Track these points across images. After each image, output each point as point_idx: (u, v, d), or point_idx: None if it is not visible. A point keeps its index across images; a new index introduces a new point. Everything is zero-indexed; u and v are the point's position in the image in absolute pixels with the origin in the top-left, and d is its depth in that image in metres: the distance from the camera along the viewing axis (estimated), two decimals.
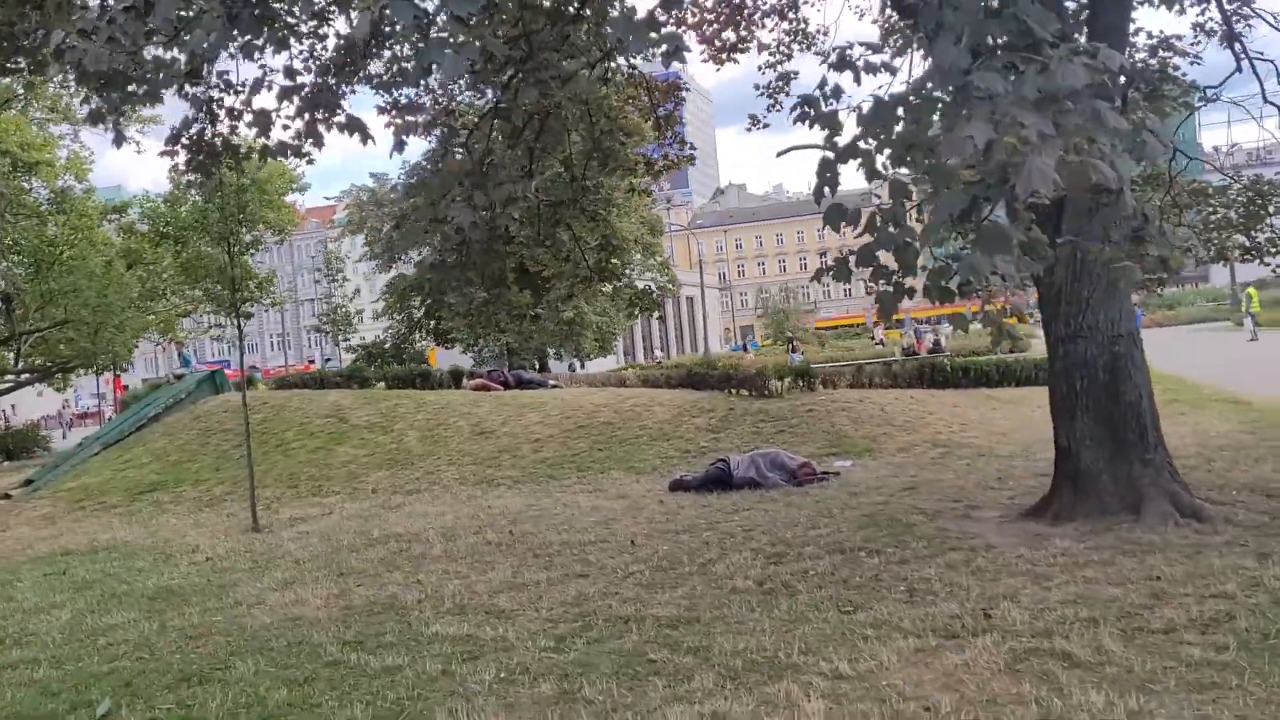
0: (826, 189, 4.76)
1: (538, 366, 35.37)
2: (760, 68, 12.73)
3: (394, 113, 12.09)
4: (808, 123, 5.01)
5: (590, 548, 8.82)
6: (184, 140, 9.49)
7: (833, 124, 4.92)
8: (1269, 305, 35.82)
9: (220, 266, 35.72)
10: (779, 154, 7.54)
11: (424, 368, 21.46)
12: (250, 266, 12.30)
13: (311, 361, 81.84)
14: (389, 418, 16.74)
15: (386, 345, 37.55)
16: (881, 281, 4.86)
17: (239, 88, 9.61)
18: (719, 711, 4.50)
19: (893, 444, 13.81)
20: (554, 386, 19.06)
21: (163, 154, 9.59)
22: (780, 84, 12.80)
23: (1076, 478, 7.92)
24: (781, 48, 12.92)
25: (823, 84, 5.12)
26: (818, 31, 12.94)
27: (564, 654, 5.62)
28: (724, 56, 12.76)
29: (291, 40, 10.54)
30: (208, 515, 13.52)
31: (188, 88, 8.68)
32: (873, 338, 43.75)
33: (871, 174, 4.69)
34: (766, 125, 12.48)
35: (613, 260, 11.42)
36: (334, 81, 10.78)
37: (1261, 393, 17.06)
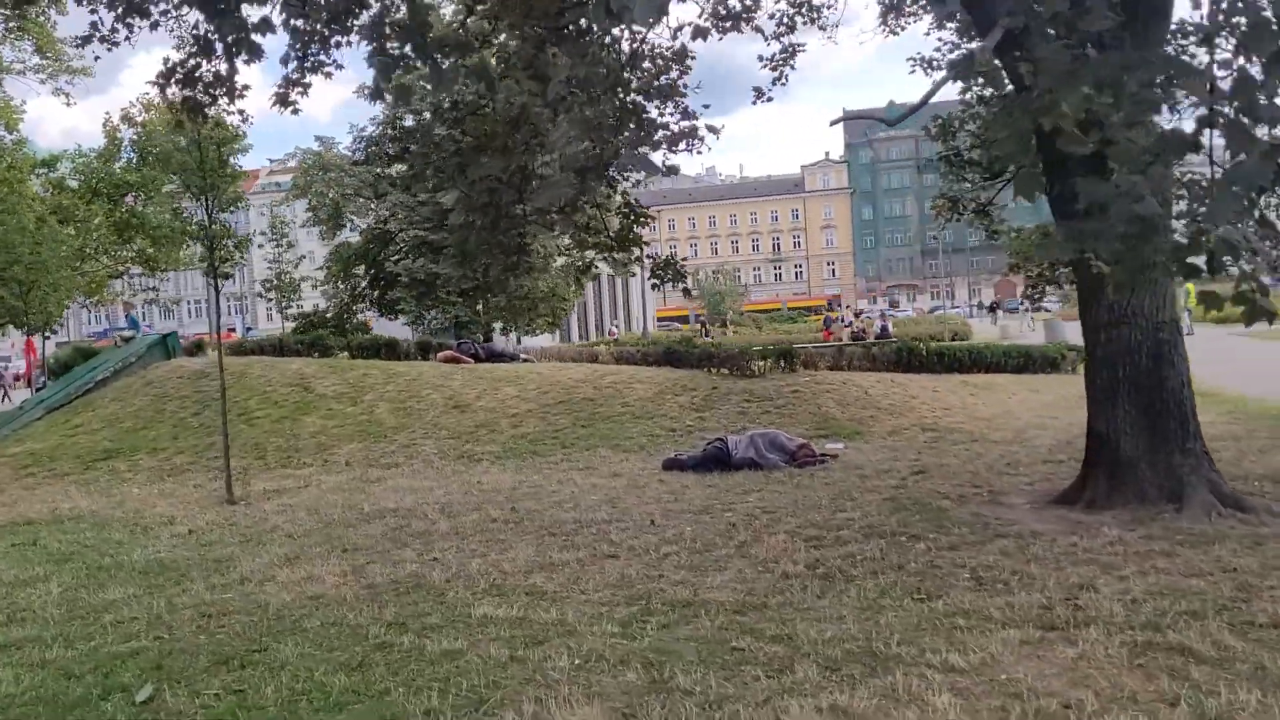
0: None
1: (483, 340, 34.77)
2: (766, 38, 12.44)
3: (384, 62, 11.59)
4: None
5: (608, 527, 8.51)
6: (178, 75, 8.93)
7: None
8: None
9: (159, 223, 34.63)
10: (832, 122, 7.23)
11: (390, 337, 20.84)
12: (229, 225, 11.71)
13: (232, 330, 79.37)
14: (357, 388, 16.19)
15: (329, 314, 36.59)
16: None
17: (237, 16, 9.08)
18: (839, 705, 4.24)
19: (880, 427, 13.71)
20: (525, 360, 18.64)
21: (155, 84, 9.02)
22: (784, 57, 12.54)
23: (1114, 465, 7.82)
24: (785, 20, 12.64)
25: None
26: (824, 4, 12.61)
27: (635, 640, 5.31)
28: (727, 25, 12.43)
29: None
30: (172, 485, 12.90)
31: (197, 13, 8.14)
32: (843, 321, 44.02)
33: None
34: (770, 99, 12.21)
35: (635, 229, 11.01)
36: (328, 30, 10.29)
37: (1218, 385, 17.37)
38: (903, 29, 13.19)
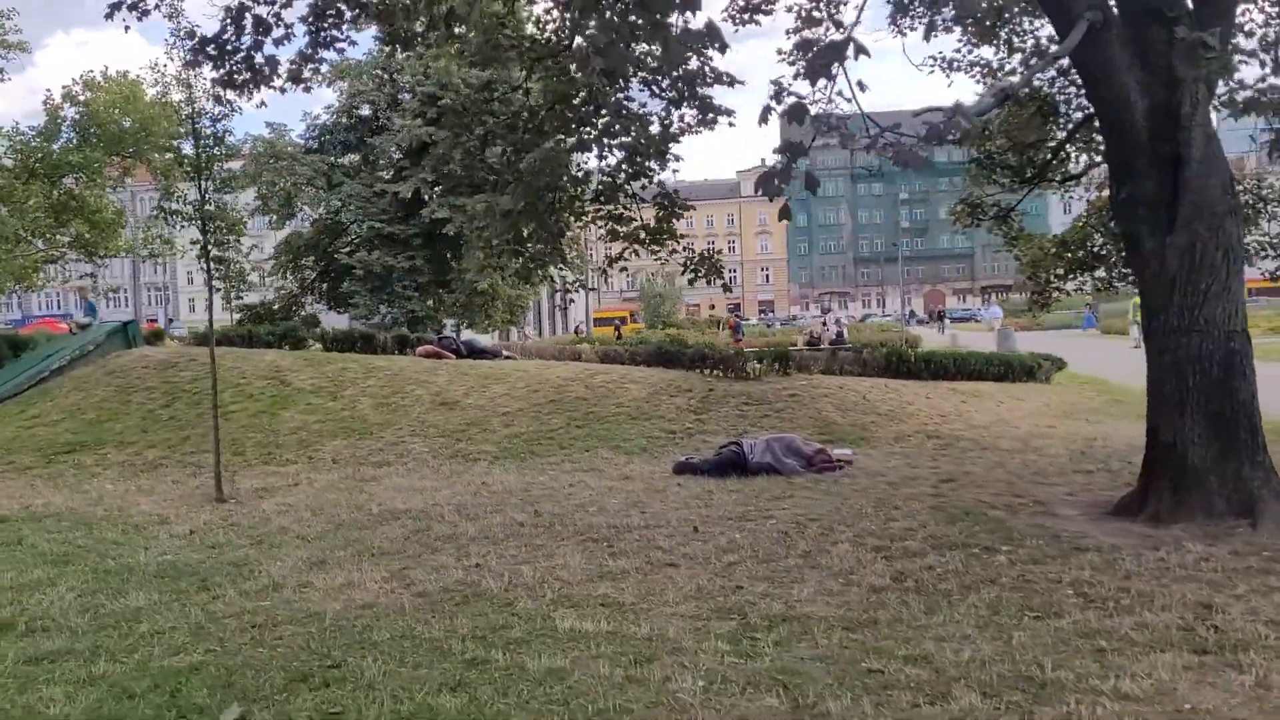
0: None
1: (439, 336, 33.98)
2: (787, 31, 12.15)
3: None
4: None
5: (649, 533, 8.11)
6: (209, 50, 8.35)
7: None
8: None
9: (99, 207, 33.20)
10: (916, 114, 6.93)
11: (366, 330, 20.10)
12: (225, 208, 10.98)
13: (154, 320, 76.90)
14: (336, 383, 15.53)
15: (275, 307, 35.46)
16: None
17: None
18: None
19: (884, 433, 13.50)
20: (508, 358, 18.12)
21: (186, 65, 8.45)
22: (800, 53, 12.23)
23: (1180, 476, 7.63)
24: (802, 13, 12.34)
25: None
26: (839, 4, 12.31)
27: (755, 659, 4.94)
28: (746, 17, 12.13)
29: None
30: (149, 481, 12.18)
31: None
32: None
33: None
34: (794, 95, 11.82)
35: (673, 220, 10.59)
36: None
37: None
38: (912, 29, 12.94)
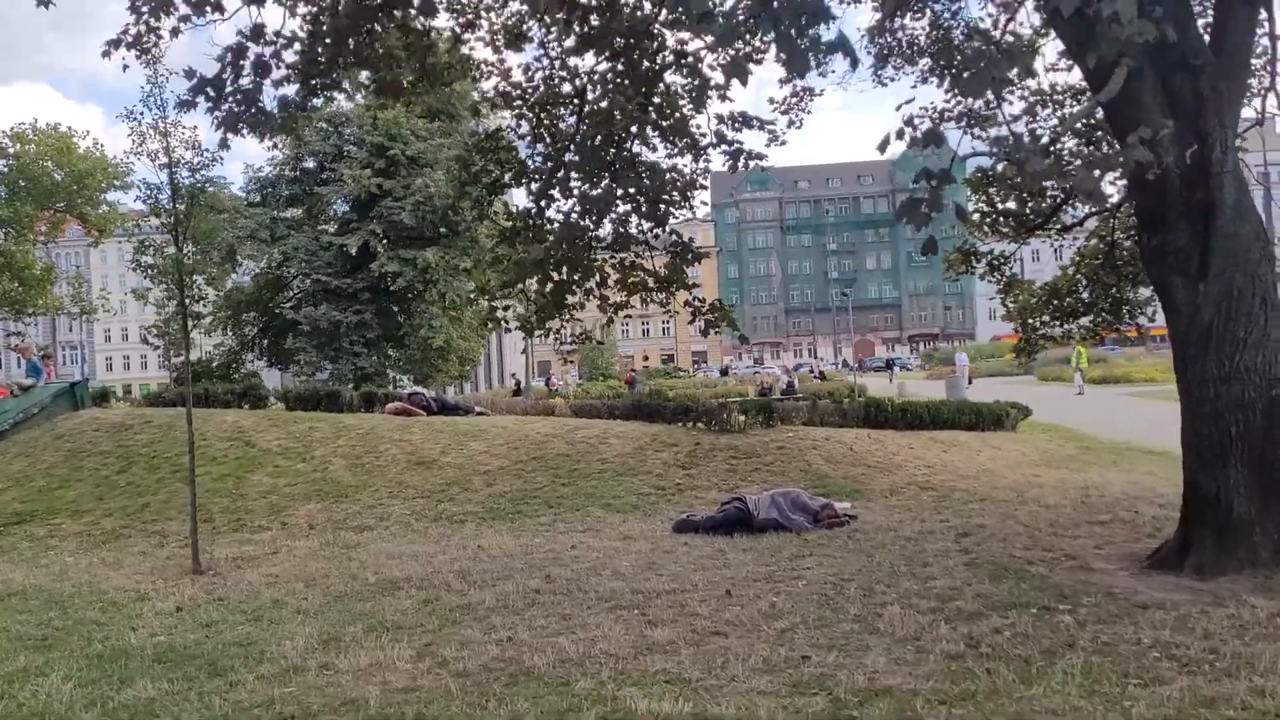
0: None
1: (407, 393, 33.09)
2: (780, 81, 12.08)
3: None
4: None
5: (680, 597, 7.71)
6: (208, 91, 7.89)
7: None
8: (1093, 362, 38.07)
9: (28, 263, 32.03)
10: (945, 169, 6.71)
11: (333, 388, 19.40)
12: (197, 260, 10.35)
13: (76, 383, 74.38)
14: (305, 443, 14.86)
15: (214, 364, 34.35)
16: None
17: (271, 39, 8.15)
18: None
19: (877, 485, 13.27)
20: (481, 414, 17.58)
21: (181, 105, 7.99)
22: (795, 101, 12.16)
23: (1223, 527, 7.47)
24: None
25: None
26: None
27: None
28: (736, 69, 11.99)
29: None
30: (113, 554, 11.41)
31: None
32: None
33: None
34: (784, 142, 11.75)
35: (686, 268, 10.29)
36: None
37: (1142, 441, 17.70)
38: (893, 80, 12.97)
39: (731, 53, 9.09)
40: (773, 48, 5.45)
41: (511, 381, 49.13)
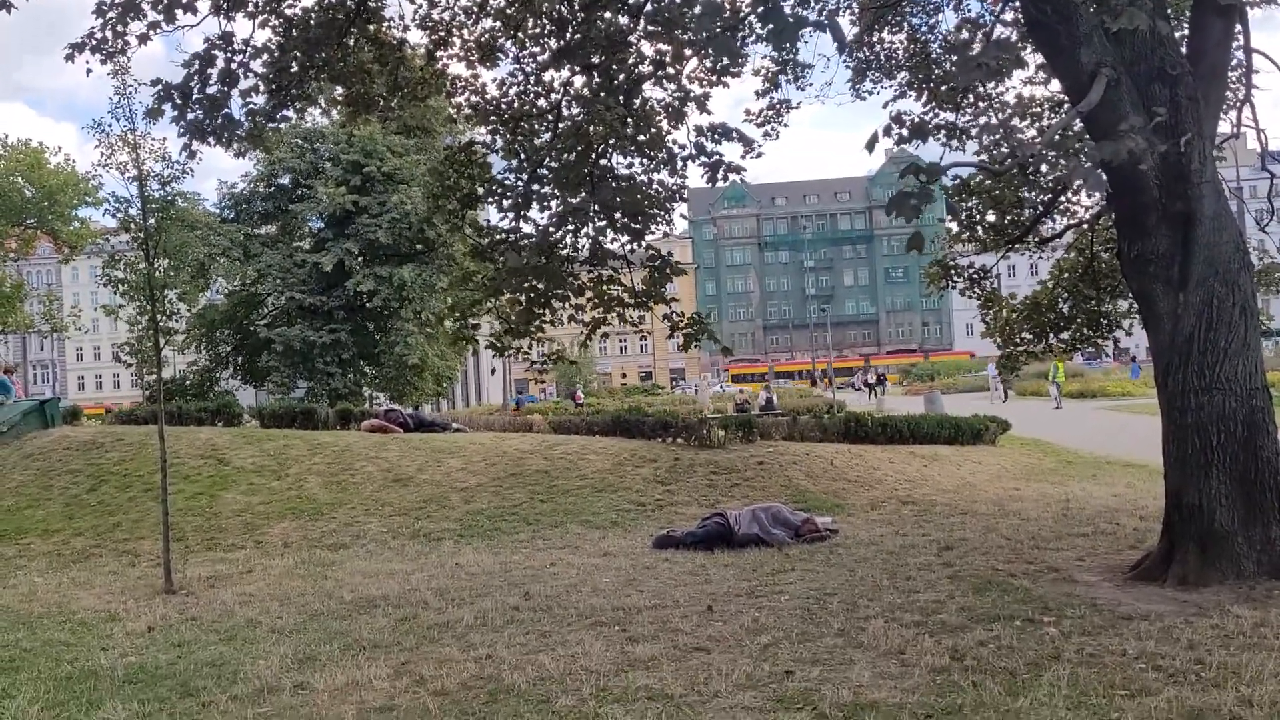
0: None
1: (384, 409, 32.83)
2: (756, 93, 12.07)
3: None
4: None
5: (661, 614, 7.62)
6: (175, 99, 7.78)
7: None
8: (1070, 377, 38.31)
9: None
10: (936, 178, 6.73)
11: (306, 405, 19.19)
12: (169, 275, 10.16)
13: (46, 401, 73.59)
14: (279, 460, 14.67)
15: (187, 382, 33.99)
16: None
17: (240, 47, 8.05)
18: None
19: (857, 500, 13.22)
20: (459, 430, 17.43)
21: (148, 115, 7.87)
22: (773, 114, 12.16)
23: (1206, 538, 7.45)
24: (769, 76, 12.28)
25: None
26: (805, 68, 12.29)
27: None
28: (714, 79, 12.00)
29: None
30: (82, 573, 11.19)
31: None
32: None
33: None
34: (761, 154, 11.71)
35: (664, 283, 10.24)
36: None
37: (1120, 455, 17.79)
38: (871, 94, 13.00)
39: (710, 60, 9.10)
40: (755, 49, 5.41)
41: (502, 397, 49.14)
